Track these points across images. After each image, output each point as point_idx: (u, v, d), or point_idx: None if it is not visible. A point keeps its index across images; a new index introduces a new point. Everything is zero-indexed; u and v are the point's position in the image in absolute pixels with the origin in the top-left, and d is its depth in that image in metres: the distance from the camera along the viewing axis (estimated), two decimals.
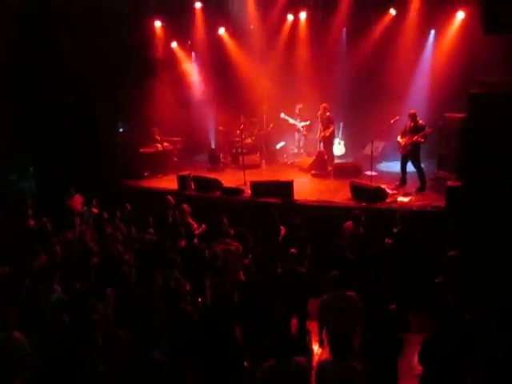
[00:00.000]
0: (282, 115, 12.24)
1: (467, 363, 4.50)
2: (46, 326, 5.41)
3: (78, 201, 9.28)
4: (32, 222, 8.26)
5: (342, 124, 12.18)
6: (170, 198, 8.80)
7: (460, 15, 9.99)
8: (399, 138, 9.48)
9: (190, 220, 8.04)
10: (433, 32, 10.80)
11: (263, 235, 7.32)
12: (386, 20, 11.15)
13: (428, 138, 9.21)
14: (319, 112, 11.41)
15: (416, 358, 4.74)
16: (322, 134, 11.35)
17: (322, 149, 11.46)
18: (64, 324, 5.26)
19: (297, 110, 12.22)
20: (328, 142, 11.45)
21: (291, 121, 12.27)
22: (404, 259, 6.61)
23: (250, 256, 6.96)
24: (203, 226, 7.99)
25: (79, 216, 8.49)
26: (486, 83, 8.23)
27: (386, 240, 6.85)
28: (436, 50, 10.64)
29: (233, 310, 5.53)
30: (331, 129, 11.24)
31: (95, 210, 8.64)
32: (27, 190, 11.46)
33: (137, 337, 4.55)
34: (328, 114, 11.27)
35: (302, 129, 12.23)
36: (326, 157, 11.17)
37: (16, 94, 11.10)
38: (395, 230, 7.08)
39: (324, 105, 11.31)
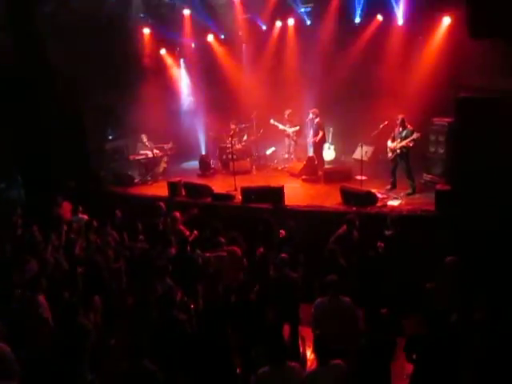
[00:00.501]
0: (272, 121, 12.28)
1: (456, 363, 4.52)
2: (35, 335, 5.34)
3: (66, 209, 9.20)
4: (21, 231, 8.17)
5: (331, 129, 12.24)
6: (162, 204, 8.75)
7: (446, 20, 10.11)
8: (389, 143, 9.55)
9: (182, 227, 8.00)
10: (420, 37, 10.92)
11: (257, 240, 7.31)
12: (374, 26, 11.27)
13: (417, 143, 9.28)
14: (309, 117, 11.47)
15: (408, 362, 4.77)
16: (313, 139, 11.39)
17: (312, 154, 11.51)
18: (52, 333, 5.19)
19: (286, 116, 12.27)
20: (318, 147, 11.49)
21: (281, 126, 12.32)
22: (396, 263, 6.61)
23: (245, 261, 6.97)
24: (195, 232, 7.95)
25: (67, 224, 8.40)
26: (473, 87, 8.33)
27: (379, 244, 6.86)
28: (423, 54, 10.75)
29: (225, 316, 5.50)
30: (321, 134, 11.29)
31: (84, 217, 8.58)
32: (16, 199, 11.35)
33: (128, 346, 4.49)
34: (318, 119, 11.33)
35: (291, 134, 12.28)
36: (316, 162, 11.20)
37: (3, 101, 11.01)
38: (387, 233, 7.10)
39: (313, 110, 11.38)
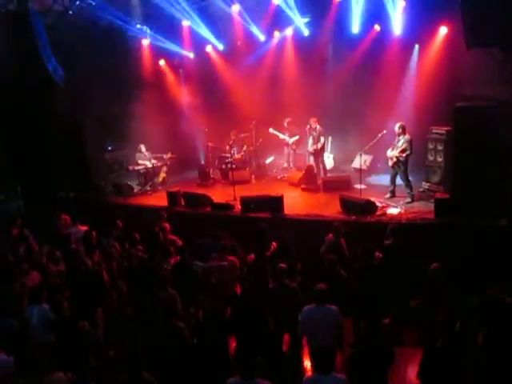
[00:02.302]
0: (271, 130, 12.32)
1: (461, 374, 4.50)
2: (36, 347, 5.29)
3: (64, 222, 9.13)
4: (19, 243, 8.14)
5: (330, 138, 12.28)
6: (164, 213, 8.80)
7: (443, 30, 10.20)
8: (388, 151, 9.58)
9: (173, 237, 8.03)
10: (417, 47, 11.01)
11: (254, 250, 7.30)
12: (371, 36, 11.36)
13: (415, 151, 9.33)
14: (309, 126, 11.48)
15: (409, 372, 4.73)
16: (313, 147, 11.40)
17: (311, 163, 11.52)
18: (53, 345, 5.15)
19: (285, 124, 12.31)
20: (318, 155, 11.51)
21: (280, 136, 12.36)
22: (395, 272, 6.59)
23: (245, 270, 6.95)
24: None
25: (66, 236, 8.35)
26: (470, 96, 8.39)
27: (377, 254, 6.85)
28: (421, 64, 10.83)
29: (224, 327, 5.47)
30: (323, 141, 11.30)
31: (83, 228, 8.56)
32: (15, 210, 11.34)
33: (127, 357, 4.46)
34: (318, 127, 11.34)
35: (291, 143, 12.31)
36: (315, 171, 11.22)
37: (3, 113, 11.06)
38: (386, 243, 7.08)
39: (314, 119, 11.39)
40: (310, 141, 11.50)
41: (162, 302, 5.78)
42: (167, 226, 8.20)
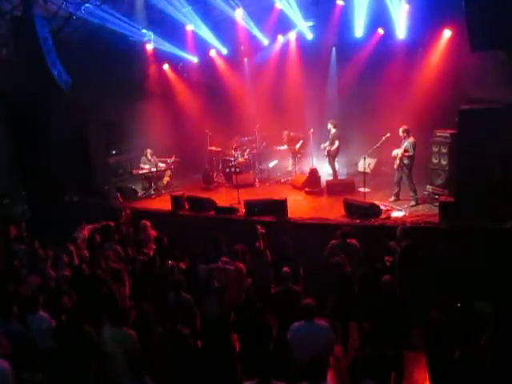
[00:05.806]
0: (276, 148, 12.45)
1: None
2: (37, 353, 5.29)
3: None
4: (23, 246, 8.16)
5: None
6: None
7: (447, 33, 10.19)
8: (394, 151, 9.56)
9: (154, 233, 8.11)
10: (421, 50, 11.00)
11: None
12: (375, 39, 11.35)
13: (419, 154, 9.30)
14: (328, 127, 11.41)
15: (417, 376, 4.71)
16: (327, 148, 11.39)
17: (314, 166, 11.52)
18: (57, 350, 5.14)
19: (284, 137, 12.38)
20: (331, 157, 11.50)
21: (286, 147, 12.43)
22: (405, 275, 6.54)
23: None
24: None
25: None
26: (475, 99, 8.36)
27: (386, 257, 6.80)
28: (425, 67, 10.81)
29: (228, 332, 5.45)
30: (337, 144, 11.25)
31: (85, 232, 8.58)
32: (20, 214, 11.36)
33: (130, 361, 4.45)
34: (334, 131, 11.27)
35: (297, 149, 12.32)
36: (318, 174, 11.20)
37: (7, 116, 11.12)
38: (391, 245, 7.04)
39: (330, 121, 11.34)
40: (327, 142, 11.47)
41: (170, 306, 5.78)
42: (147, 222, 8.33)
